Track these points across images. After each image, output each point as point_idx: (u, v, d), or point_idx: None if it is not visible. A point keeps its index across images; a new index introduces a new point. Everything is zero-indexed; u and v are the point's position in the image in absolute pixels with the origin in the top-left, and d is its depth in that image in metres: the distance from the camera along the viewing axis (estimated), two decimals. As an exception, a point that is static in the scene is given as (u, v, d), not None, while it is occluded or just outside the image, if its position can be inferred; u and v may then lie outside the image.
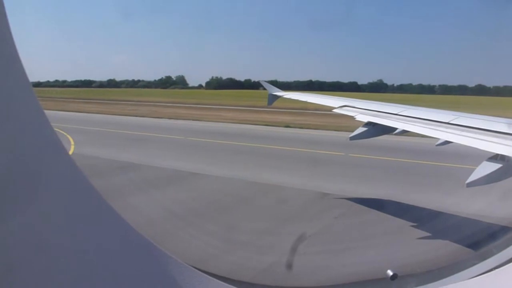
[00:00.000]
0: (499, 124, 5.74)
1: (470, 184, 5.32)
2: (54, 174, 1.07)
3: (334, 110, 8.89)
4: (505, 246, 2.22)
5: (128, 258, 1.19)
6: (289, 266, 5.76)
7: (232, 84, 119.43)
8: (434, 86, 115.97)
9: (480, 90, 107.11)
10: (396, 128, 7.13)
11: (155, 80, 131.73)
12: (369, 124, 7.82)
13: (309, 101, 10.48)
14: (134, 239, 1.22)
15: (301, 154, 16.66)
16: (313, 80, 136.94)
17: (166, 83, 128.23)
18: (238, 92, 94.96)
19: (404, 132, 7.25)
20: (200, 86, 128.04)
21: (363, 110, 8.22)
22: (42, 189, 1.02)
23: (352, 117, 8.36)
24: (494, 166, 5.22)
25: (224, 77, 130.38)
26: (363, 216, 8.59)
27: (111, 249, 1.16)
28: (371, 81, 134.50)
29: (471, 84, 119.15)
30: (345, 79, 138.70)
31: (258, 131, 24.68)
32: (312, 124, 28.08)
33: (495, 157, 5.30)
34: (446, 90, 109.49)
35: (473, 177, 5.37)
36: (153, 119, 32.17)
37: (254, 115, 35.97)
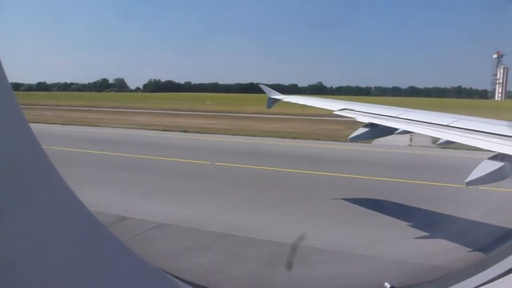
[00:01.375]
0: (500, 126, 5.68)
1: (470, 183, 5.21)
2: (35, 179, 1.05)
3: (335, 113, 8.98)
4: (505, 255, 2.10)
5: (110, 265, 1.20)
6: None
7: (171, 86, 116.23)
8: (370, 88, 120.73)
9: (412, 91, 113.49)
10: (397, 129, 7.13)
11: (89, 83, 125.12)
12: (369, 125, 7.81)
13: (308, 104, 10.46)
14: (114, 245, 1.23)
15: (159, 163, 14.49)
16: (254, 82, 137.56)
17: (101, 86, 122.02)
18: (174, 95, 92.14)
19: (405, 133, 7.30)
20: (138, 89, 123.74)
21: (362, 113, 8.31)
22: (23, 195, 1.00)
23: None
24: (496, 165, 5.13)
25: (163, 80, 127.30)
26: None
27: (93, 257, 1.16)
28: (311, 83, 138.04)
29: (404, 86, 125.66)
30: (285, 81, 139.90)
31: (146, 137, 22.29)
32: (219, 129, 26.18)
33: (496, 157, 5.23)
34: (381, 91, 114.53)
35: (473, 175, 5.23)
36: (44, 124, 28.90)
37: (170, 119, 33.71)
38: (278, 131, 24.87)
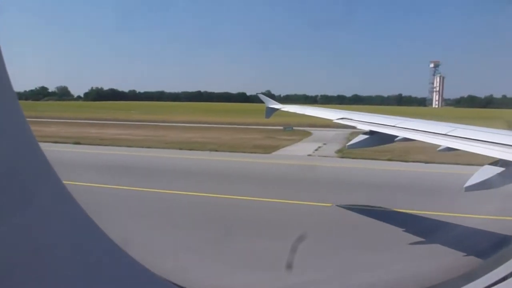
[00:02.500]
0: (497, 135, 5.77)
1: (469, 188, 5.19)
2: (34, 181, 1.07)
3: (335, 121, 9.16)
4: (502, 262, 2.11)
5: (106, 268, 1.22)
6: None
7: (114, 95, 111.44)
8: (316, 96, 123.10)
9: (356, 99, 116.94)
10: (396, 137, 7.19)
11: (25, 91, 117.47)
12: (369, 133, 7.95)
13: (306, 114, 10.53)
14: (109, 247, 1.25)
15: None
16: (202, 91, 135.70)
17: (39, 94, 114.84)
18: (113, 104, 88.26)
19: (405, 140, 7.17)
20: (78, 98, 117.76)
21: (361, 122, 8.42)
22: (22, 197, 1.02)
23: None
24: (496, 170, 5.15)
25: (105, 88, 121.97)
26: None
27: (89, 259, 1.18)
28: (259, 91, 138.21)
29: (348, 94, 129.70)
30: (233, 90, 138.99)
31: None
32: (122, 139, 24.12)
33: (497, 163, 5.24)
34: (327, 99, 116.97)
35: (472, 181, 5.23)
36: None
37: (80, 129, 31.21)
38: (183, 142, 23.29)
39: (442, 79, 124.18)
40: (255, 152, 19.81)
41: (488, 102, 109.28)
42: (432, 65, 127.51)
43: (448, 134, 6.45)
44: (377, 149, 22.16)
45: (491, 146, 5.51)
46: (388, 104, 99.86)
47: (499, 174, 5.11)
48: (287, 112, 11.43)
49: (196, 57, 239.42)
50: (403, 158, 18.42)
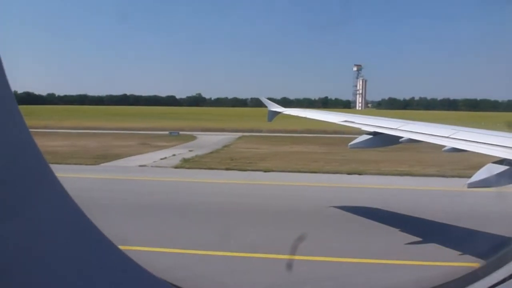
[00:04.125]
0: (496, 137, 5.98)
1: (472, 185, 5.33)
2: (32, 182, 1.07)
3: (339, 123, 9.28)
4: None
5: (104, 268, 1.21)
6: None
7: (29, 99, 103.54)
8: (246, 99, 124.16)
9: (285, 102, 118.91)
10: (401, 137, 7.40)
11: None
12: (373, 133, 8.04)
13: (308, 117, 10.73)
14: (108, 248, 1.23)
15: None
16: (128, 94, 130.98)
17: None
18: (25, 109, 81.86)
19: (410, 141, 7.38)
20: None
21: (364, 124, 8.55)
22: (21, 198, 1.02)
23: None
24: (499, 168, 5.23)
25: (20, 91, 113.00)
26: None
27: (89, 261, 1.18)
28: (189, 95, 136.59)
29: (277, 96, 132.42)
30: (162, 93, 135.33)
31: None
32: None
33: (501, 162, 5.32)
34: (257, 103, 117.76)
35: (476, 178, 5.34)
36: None
37: None
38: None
39: (365, 82, 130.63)
40: (84, 164, 18.04)
41: (407, 104, 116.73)
42: (355, 68, 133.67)
43: (451, 136, 6.63)
44: (231, 156, 21.52)
45: (494, 147, 5.65)
46: (315, 107, 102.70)
47: (503, 173, 5.19)
48: (289, 115, 11.39)
49: (123, 59, 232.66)
50: (244, 167, 17.56)
